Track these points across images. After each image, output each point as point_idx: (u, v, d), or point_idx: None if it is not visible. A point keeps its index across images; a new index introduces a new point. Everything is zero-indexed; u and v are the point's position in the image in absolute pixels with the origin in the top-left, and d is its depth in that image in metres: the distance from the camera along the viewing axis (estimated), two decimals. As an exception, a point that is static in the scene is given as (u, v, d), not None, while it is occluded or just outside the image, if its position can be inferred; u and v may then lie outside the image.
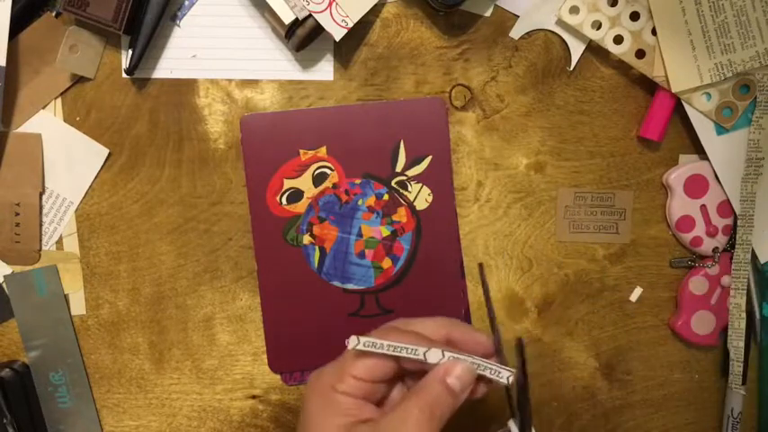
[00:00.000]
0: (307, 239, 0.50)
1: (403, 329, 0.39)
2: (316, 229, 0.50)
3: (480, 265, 0.43)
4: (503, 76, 0.50)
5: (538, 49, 0.50)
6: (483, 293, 0.49)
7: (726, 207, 0.51)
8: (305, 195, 0.50)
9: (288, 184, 0.50)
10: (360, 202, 0.50)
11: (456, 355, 0.37)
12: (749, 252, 0.51)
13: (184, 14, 0.49)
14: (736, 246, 0.51)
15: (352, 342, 0.37)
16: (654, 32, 0.48)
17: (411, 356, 0.37)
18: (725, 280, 0.51)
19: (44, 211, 0.50)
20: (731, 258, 0.51)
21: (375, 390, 0.38)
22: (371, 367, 0.38)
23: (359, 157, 0.50)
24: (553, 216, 0.52)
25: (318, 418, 0.37)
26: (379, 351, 0.37)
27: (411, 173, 0.50)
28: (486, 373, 0.38)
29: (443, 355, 0.37)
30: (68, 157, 0.50)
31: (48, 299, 0.50)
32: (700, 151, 0.51)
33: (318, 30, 0.46)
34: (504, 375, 0.38)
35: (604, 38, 0.48)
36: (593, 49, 0.50)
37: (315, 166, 0.50)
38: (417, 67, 0.50)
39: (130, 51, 0.48)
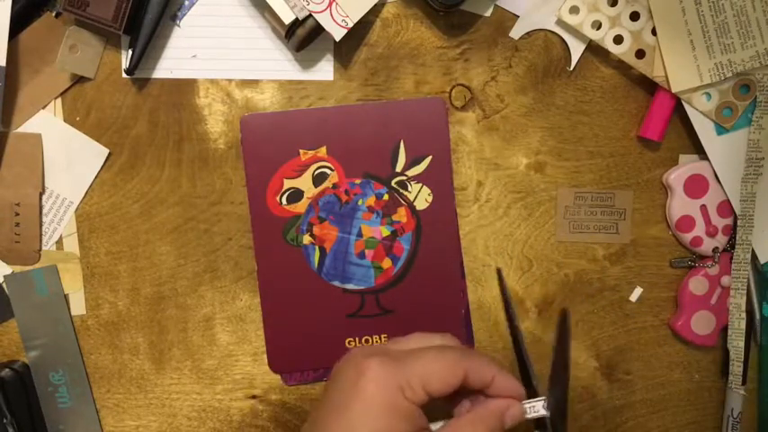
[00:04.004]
0: (307, 239, 0.50)
1: (482, 354, 0.42)
2: (316, 229, 0.50)
3: (498, 271, 0.43)
4: (503, 76, 0.50)
5: (538, 49, 0.50)
6: (503, 302, 0.49)
7: (726, 207, 0.51)
8: (305, 195, 0.50)
9: (288, 184, 0.50)
10: (360, 202, 0.50)
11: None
12: (749, 252, 0.51)
13: (184, 14, 0.49)
14: (736, 246, 0.51)
15: (529, 411, 0.40)
16: (654, 32, 0.48)
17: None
18: (725, 280, 0.51)
19: (44, 211, 0.50)
20: (731, 258, 0.51)
21: (429, 402, 0.39)
22: (445, 388, 0.38)
23: (359, 157, 0.50)
24: (553, 216, 0.52)
25: (381, 418, 0.37)
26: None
27: (411, 173, 0.50)
28: (528, 415, 0.41)
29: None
30: (68, 157, 0.50)
31: (48, 299, 0.50)
32: (700, 151, 0.51)
33: (318, 30, 0.46)
34: (539, 407, 0.40)
35: (604, 38, 0.48)
36: (594, 49, 0.50)
37: (315, 166, 0.50)
38: (417, 67, 0.50)
39: (130, 51, 0.48)
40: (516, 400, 0.40)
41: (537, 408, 0.40)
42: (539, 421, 0.41)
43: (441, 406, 0.40)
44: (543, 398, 0.40)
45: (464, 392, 0.40)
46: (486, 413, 0.39)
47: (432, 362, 0.38)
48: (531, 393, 0.41)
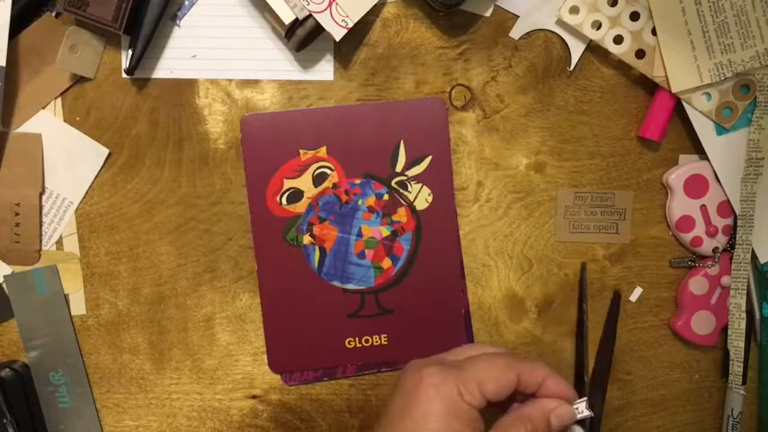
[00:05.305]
0: (307, 239, 0.50)
1: (529, 358, 0.42)
2: (316, 229, 0.50)
3: (583, 265, 0.44)
4: (503, 76, 0.50)
5: (538, 49, 0.50)
6: (579, 294, 0.48)
7: (726, 207, 0.51)
8: (305, 195, 0.50)
9: (288, 184, 0.50)
10: (360, 202, 0.50)
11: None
12: (749, 252, 0.51)
13: (184, 14, 0.49)
14: (736, 246, 0.51)
15: (582, 410, 0.40)
16: (654, 32, 0.48)
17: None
18: (725, 280, 0.51)
19: (44, 211, 0.50)
20: (731, 258, 0.51)
21: (485, 405, 0.40)
22: (500, 390, 0.39)
23: (359, 157, 0.50)
24: (553, 216, 0.52)
25: (443, 421, 0.38)
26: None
27: (411, 173, 0.50)
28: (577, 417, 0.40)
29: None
30: (68, 157, 0.50)
31: (48, 299, 0.50)
32: (700, 151, 0.51)
33: (318, 30, 0.46)
34: (583, 408, 0.40)
35: (604, 38, 0.48)
36: (593, 49, 0.50)
37: (315, 166, 0.50)
38: (417, 67, 0.50)
39: (130, 51, 0.48)
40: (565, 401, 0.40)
41: (581, 408, 0.40)
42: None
43: (497, 415, 0.41)
44: (585, 398, 0.41)
45: (517, 399, 0.41)
46: (532, 411, 0.40)
47: (486, 365, 0.39)
48: (582, 390, 0.41)
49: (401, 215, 0.50)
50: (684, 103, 0.49)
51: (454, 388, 0.38)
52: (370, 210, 0.50)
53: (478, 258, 0.52)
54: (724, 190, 0.50)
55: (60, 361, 0.51)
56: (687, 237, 0.51)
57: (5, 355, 0.51)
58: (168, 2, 0.47)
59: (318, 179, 0.50)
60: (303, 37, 0.46)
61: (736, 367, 0.51)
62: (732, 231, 0.51)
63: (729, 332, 0.52)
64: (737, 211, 0.50)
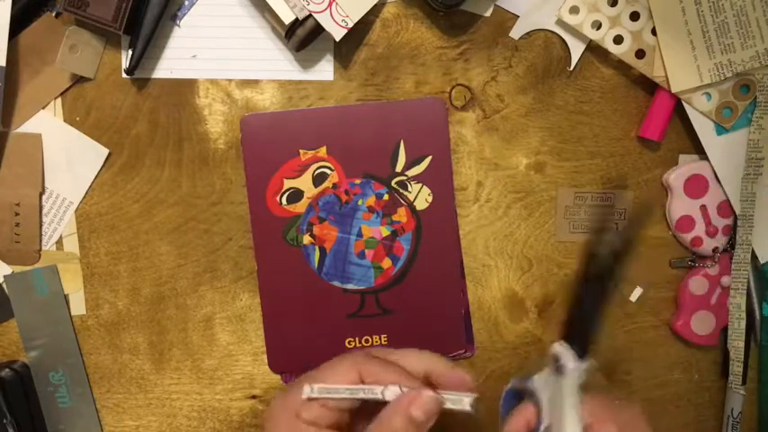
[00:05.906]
0: (307, 239, 0.50)
1: (383, 359, 0.39)
2: (316, 229, 0.50)
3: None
4: (503, 76, 0.50)
5: (538, 49, 0.50)
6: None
7: (726, 207, 0.51)
8: (305, 195, 0.50)
9: (288, 184, 0.50)
10: (360, 202, 0.50)
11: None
12: (749, 252, 0.51)
13: (184, 14, 0.49)
14: (736, 246, 0.51)
15: (306, 391, 0.37)
16: (654, 32, 0.48)
17: (369, 396, 0.37)
18: (725, 280, 0.51)
19: (44, 211, 0.50)
20: (731, 258, 0.51)
21: (341, 417, 0.38)
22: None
23: (359, 157, 0.50)
24: (553, 216, 0.52)
25: None
26: (335, 396, 0.37)
27: (411, 173, 0.50)
28: (447, 405, 0.37)
29: (402, 391, 0.37)
30: (68, 157, 0.50)
31: (48, 299, 0.50)
32: (700, 151, 0.51)
33: (318, 30, 0.46)
34: (467, 403, 0.37)
35: (604, 38, 0.48)
36: (594, 49, 0.50)
37: (315, 166, 0.50)
38: (417, 67, 0.50)
39: (130, 51, 0.48)
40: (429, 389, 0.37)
41: (460, 401, 0.37)
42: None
43: None
44: (471, 396, 0.37)
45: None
46: (385, 415, 0.36)
47: (324, 372, 0.38)
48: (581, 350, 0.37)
49: (401, 215, 0.50)
50: (684, 103, 0.49)
51: (292, 407, 0.37)
52: (370, 210, 0.50)
53: (478, 258, 0.52)
54: (724, 190, 0.50)
55: (60, 361, 0.51)
56: (687, 237, 0.51)
57: (5, 355, 0.51)
58: (168, 2, 0.47)
59: (318, 179, 0.50)
60: (303, 37, 0.46)
61: (736, 367, 0.51)
62: (732, 231, 0.51)
63: (729, 332, 0.52)
64: (737, 211, 0.50)
